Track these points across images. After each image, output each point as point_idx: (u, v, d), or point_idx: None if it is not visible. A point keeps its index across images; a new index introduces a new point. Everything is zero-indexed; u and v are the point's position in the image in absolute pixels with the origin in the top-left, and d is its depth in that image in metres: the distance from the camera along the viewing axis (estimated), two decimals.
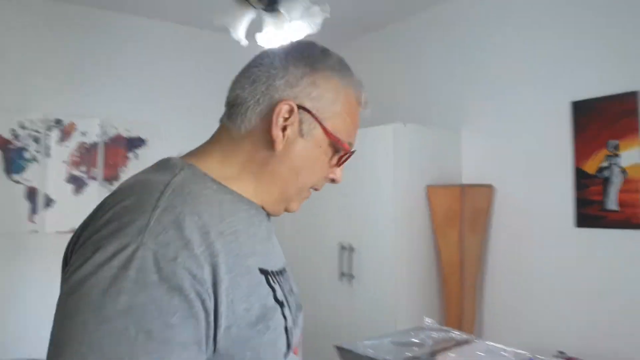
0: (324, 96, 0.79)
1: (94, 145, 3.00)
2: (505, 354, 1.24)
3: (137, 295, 0.58)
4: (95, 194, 2.96)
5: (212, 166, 0.78)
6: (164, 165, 0.77)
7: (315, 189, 0.87)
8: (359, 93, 0.83)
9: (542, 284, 2.39)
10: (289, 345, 0.77)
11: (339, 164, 0.85)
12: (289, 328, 0.77)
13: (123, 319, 0.57)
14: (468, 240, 2.46)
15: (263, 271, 0.75)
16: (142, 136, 3.14)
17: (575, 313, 2.26)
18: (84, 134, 2.97)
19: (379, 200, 2.53)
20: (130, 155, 3.11)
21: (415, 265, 2.53)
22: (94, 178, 2.99)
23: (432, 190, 2.55)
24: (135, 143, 3.13)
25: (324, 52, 0.82)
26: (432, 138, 2.67)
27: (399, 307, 2.44)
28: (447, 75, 2.91)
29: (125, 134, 3.09)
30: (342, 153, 0.83)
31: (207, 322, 0.63)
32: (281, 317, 0.75)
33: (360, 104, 0.84)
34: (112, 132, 3.06)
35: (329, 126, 0.79)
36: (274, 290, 0.76)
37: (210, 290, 0.63)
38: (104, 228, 0.63)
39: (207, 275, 0.63)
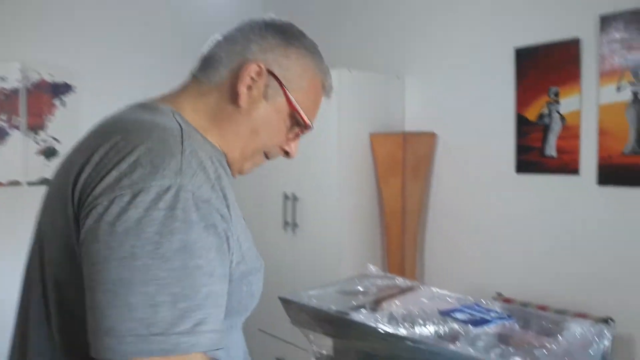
0: (292, 69, 0.84)
1: (14, 92, 2.76)
2: (450, 300, 1.24)
3: (187, 234, 0.63)
4: (19, 144, 2.75)
5: (189, 116, 0.81)
6: (153, 108, 0.79)
7: (268, 157, 0.93)
8: (325, 79, 0.89)
9: (482, 229, 2.44)
10: None
11: (295, 137, 0.90)
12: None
13: (180, 257, 0.62)
14: (410, 188, 2.47)
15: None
16: (69, 82, 2.92)
17: (513, 256, 2.32)
18: (3, 79, 2.73)
19: (322, 148, 2.48)
20: (57, 102, 2.89)
21: (359, 214, 2.52)
22: (16, 127, 2.77)
23: (375, 138, 2.51)
24: (61, 89, 2.91)
25: (301, 33, 0.88)
26: (377, 85, 2.62)
27: (342, 255, 2.44)
28: (391, 21, 2.83)
29: (49, 79, 2.86)
30: (299, 127, 0.88)
31: (229, 258, 0.70)
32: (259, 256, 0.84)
33: (325, 89, 0.90)
34: (34, 78, 2.82)
35: (292, 97, 0.84)
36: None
37: (228, 229, 0.69)
38: (135, 171, 0.64)
39: (227, 214, 0.69)
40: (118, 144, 0.68)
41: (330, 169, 2.45)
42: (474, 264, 2.46)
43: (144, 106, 0.81)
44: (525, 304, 2.06)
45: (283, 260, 2.67)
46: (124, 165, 0.65)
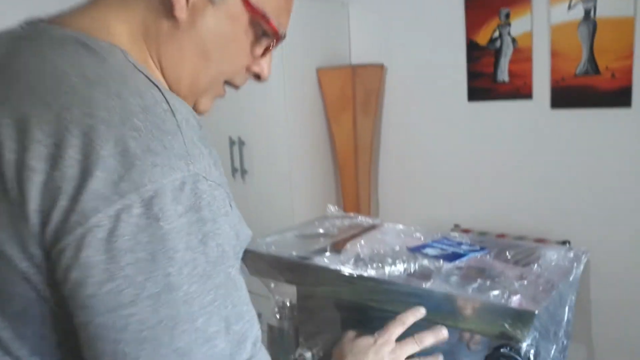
0: None
1: None
2: (418, 235, 1.17)
3: (221, 236, 0.50)
4: None
5: (126, 48, 0.56)
6: (87, 47, 0.53)
7: (234, 85, 0.69)
8: None
9: (436, 161, 2.39)
10: None
11: (264, 53, 0.65)
12: None
13: (221, 268, 0.50)
14: (361, 124, 2.37)
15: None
16: None
17: (469, 186, 2.29)
18: None
19: (267, 87, 2.32)
20: None
21: (310, 155, 2.41)
22: None
23: (322, 73, 2.38)
24: None
25: None
26: (320, 14, 2.45)
27: (296, 199, 2.34)
28: None
29: None
30: (268, 38, 0.63)
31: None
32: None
33: None
34: None
35: None
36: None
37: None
38: (133, 167, 0.45)
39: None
40: (78, 122, 0.46)
41: (277, 109, 2.31)
42: (429, 197, 2.42)
43: (65, 39, 0.54)
44: (483, 234, 2.04)
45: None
46: (110, 162, 0.45)
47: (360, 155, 2.39)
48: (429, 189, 2.42)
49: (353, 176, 2.41)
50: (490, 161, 2.22)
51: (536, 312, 0.79)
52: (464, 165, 2.30)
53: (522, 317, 0.81)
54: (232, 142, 2.46)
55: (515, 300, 0.83)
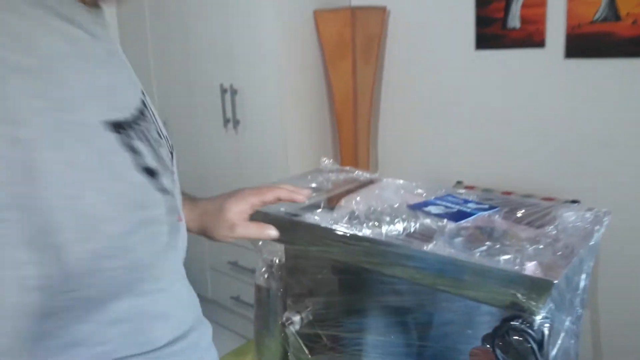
0: None
1: None
2: (419, 191, 1.06)
3: None
4: None
5: None
6: None
7: None
8: None
9: (439, 113, 2.25)
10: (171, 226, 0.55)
11: None
12: (169, 202, 0.54)
13: None
14: (361, 72, 2.22)
15: (114, 125, 0.46)
16: None
17: (473, 141, 2.17)
18: None
19: (260, 32, 2.17)
20: None
21: (306, 104, 2.28)
22: None
23: (319, 16, 2.21)
24: None
25: None
26: None
27: (291, 151, 2.22)
28: None
29: None
30: None
31: None
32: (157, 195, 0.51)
33: None
34: None
35: None
36: (138, 153, 0.48)
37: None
38: None
39: None
40: None
41: (271, 55, 2.16)
42: (431, 151, 2.30)
43: None
44: (488, 191, 1.93)
45: (226, 162, 2.43)
46: None
47: (359, 106, 2.26)
48: (431, 143, 2.30)
49: (351, 128, 2.28)
50: (498, 114, 2.09)
51: (555, 281, 0.69)
52: (469, 118, 2.17)
53: (537, 287, 0.70)
54: (223, 90, 2.32)
55: (529, 267, 0.73)
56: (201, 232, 0.87)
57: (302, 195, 0.84)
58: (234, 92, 2.29)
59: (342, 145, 2.33)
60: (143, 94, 0.60)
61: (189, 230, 0.87)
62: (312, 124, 2.31)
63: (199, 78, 2.44)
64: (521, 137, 2.04)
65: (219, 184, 2.42)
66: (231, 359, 1.17)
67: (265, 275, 1.14)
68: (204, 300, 2.69)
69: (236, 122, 2.32)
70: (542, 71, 1.95)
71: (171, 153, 0.64)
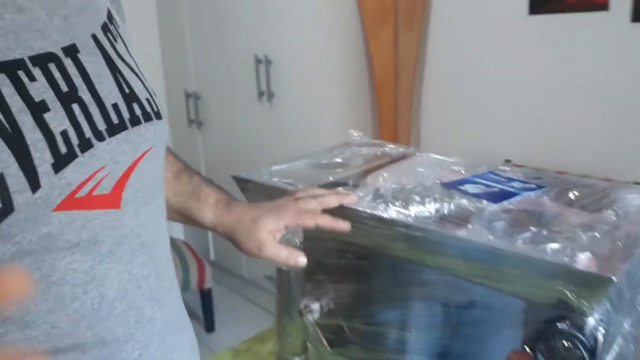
0: None
1: None
2: (457, 168, 0.94)
3: None
4: None
5: None
6: None
7: None
8: None
9: (489, 85, 2.09)
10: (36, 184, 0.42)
11: None
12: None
13: None
14: (403, 40, 2.08)
15: None
16: None
17: (525, 115, 2.00)
18: None
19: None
20: None
21: (343, 75, 2.16)
22: None
23: None
24: None
25: None
26: None
27: (327, 125, 2.12)
28: None
29: None
30: None
31: None
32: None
33: None
34: None
35: None
36: None
37: None
38: None
39: None
40: None
41: (307, 23, 2.05)
42: (478, 127, 2.15)
43: None
44: (539, 170, 1.77)
45: (260, 136, 2.36)
46: None
47: (401, 77, 2.12)
48: (479, 117, 2.14)
49: (392, 101, 2.15)
50: (553, 86, 1.91)
51: (613, 278, 0.56)
52: (521, 90, 2.00)
53: (591, 284, 0.59)
54: (258, 61, 2.23)
55: (582, 260, 0.61)
56: (229, 240, 0.79)
57: (346, 226, 0.77)
58: (268, 63, 2.20)
59: (381, 119, 2.20)
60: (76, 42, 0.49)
61: (218, 232, 0.79)
62: (350, 97, 2.19)
63: (233, 48, 2.36)
64: (580, 111, 1.86)
65: (251, 158, 2.36)
66: (252, 344, 1.10)
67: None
68: (239, 278, 2.64)
69: (270, 95, 2.23)
70: (605, 37, 1.76)
71: (132, 117, 0.52)
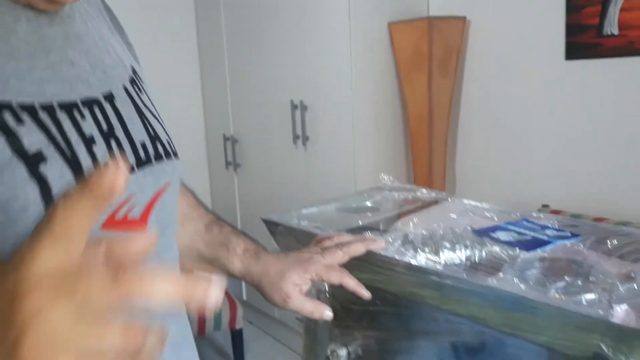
0: None
1: None
2: (490, 215, 0.92)
3: None
4: None
5: None
6: None
7: None
8: None
9: (525, 131, 2.07)
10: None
11: None
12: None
13: None
14: (438, 86, 2.09)
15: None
16: None
17: (562, 161, 1.96)
18: None
19: (333, 46, 2.10)
20: None
21: (378, 120, 2.18)
22: None
23: (394, 28, 2.11)
24: None
25: None
26: None
27: (360, 170, 2.12)
28: None
29: None
30: None
31: None
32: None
33: None
34: None
35: None
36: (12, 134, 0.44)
37: None
38: None
39: None
40: None
41: (343, 70, 2.08)
42: (514, 172, 2.11)
43: None
44: (577, 216, 1.72)
45: (294, 179, 2.38)
46: None
47: (435, 122, 2.12)
48: (515, 163, 2.11)
49: (426, 146, 2.14)
50: (591, 131, 1.88)
51: None
52: (558, 135, 1.97)
53: (629, 338, 0.56)
54: (294, 107, 2.27)
55: (619, 312, 0.58)
56: (256, 289, 0.81)
57: (367, 294, 0.78)
58: (304, 108, 2.24)
59: (415, 164, 2.19)
60: (111, 91, 0.56)
61: (246, 282, 0.81)
62: (385, 142, 2.20)
63: (270, 94, 2.42)
64: (618, 157, 1.81)
65: (285, 201, 2.37)
66: None
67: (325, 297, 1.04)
68: (271, 319, 2.61)
69: (305, 139, 2.26)
70: None
71: (148, 156, 0.57)
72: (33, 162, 0.44)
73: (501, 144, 2.15)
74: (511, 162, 2.12)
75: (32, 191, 0.43)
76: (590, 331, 0.58)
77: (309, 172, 2.29)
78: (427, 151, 2.14)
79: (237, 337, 2.47)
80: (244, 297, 2.84)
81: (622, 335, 0.56)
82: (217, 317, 2.34)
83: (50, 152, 0.45)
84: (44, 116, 0.46)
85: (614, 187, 1.82)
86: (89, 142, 0.49)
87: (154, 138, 0.58)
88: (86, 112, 0.50)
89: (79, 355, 0.27)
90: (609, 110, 1.82)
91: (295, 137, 2.30)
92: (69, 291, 0.28)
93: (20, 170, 0.43)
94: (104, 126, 0.52)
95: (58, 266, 0.28)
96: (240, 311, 2.40)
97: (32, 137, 0.44)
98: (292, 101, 2.28)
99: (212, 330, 2.38)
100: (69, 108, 0.49)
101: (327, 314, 0.76)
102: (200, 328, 2.32)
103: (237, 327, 2.41)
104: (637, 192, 1.76)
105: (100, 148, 0.50)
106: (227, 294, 2.45)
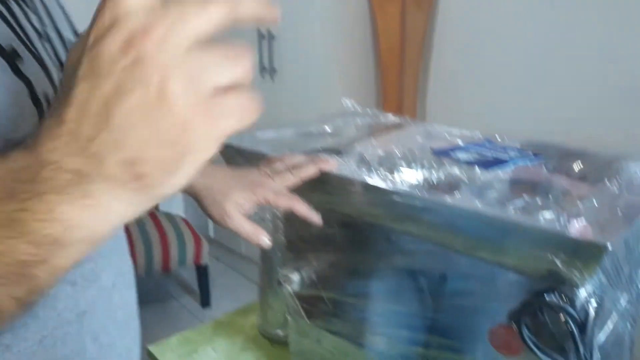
0: None
1: None
2: (451, 138, 0.88)
3: None
4: None
5: None
6: None
7: None
8: None
9: (499, 63, 2.01)
10: None
11: None
12: None
13: None
14: (412, 17, 2.01)
15: None
16: None
17: (535, 93, 1.92)
18: None
19: None
20: None
21: (348, 53, 2.10)
22: None
23: None
24: None
25: None
26: None
27: (329, 102, 2.06)
28: None
29: None
30: None
31: None
32: None
33: None
34: None
35: None
36: None
37: None
38: None
39: None
40: None
41: None
42: (489, 107, 2.06)
43: None
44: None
45: (262, 113, 2.30)
46: None
47: (407, 55, 2.06)
48: (490, 97, 2.06)
49: (397, 80, 2.08)
50: (565, 63, 1.83)
51: (608, 245, 0.51)
52: (532, 69, 1.92)
53: (584, 252, 0.53)
54: (261, 36, 2.17)
55: (576, 226, 0.55)
56: (195, 200, 0.74)
57: (318, 220, 0.74)
58: (271, 38, 2.14)
59: (386, 97, 2.14)
60: None
61: (185, 191, 0.74)
62: (355, 75, 2.13)
63: (235, 23, 2.30)
64: (593, 88, 1.78)
65: None
66: (235, 317, 1.07)
67: (271, 225, 1.00)
68: (237, 255, 2.58)
69: (272, 71, 2.18)
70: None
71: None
72: (12, 61, 0.38)
73: (474, 77, 2.09)
74: (486, 97, 2.07)
75: (22, 94, 0.38)
76: (545, 247, 0.56)
77: (277, 107, 2.22)
78: (398, 86, 2.09)
79: (202, 272, 2.46)
80: (211, 234, 2.81)
81: (577, 249, 0.53)
82: (182, 253, 2.32)
83: (20, 49, 0.40)
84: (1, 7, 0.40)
85: (588, 119, 1.80)
86: (40, 35, 0.44)
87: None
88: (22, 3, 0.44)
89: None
90: (585, 41, 1.78)
91: (262, 69, 2.21)
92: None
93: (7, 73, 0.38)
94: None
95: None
96: (205, 247, 2.38)
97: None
98: (259, 30, 2.17)
99: (177, 266, 2.36)
100: None
101: (264, 240, 0.71)
102: (165, 264, 2.30)
103: (202, 262, 2.40)
104: (612, 123, 1.74)
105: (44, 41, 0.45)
106: (192, 230, 2.42)
